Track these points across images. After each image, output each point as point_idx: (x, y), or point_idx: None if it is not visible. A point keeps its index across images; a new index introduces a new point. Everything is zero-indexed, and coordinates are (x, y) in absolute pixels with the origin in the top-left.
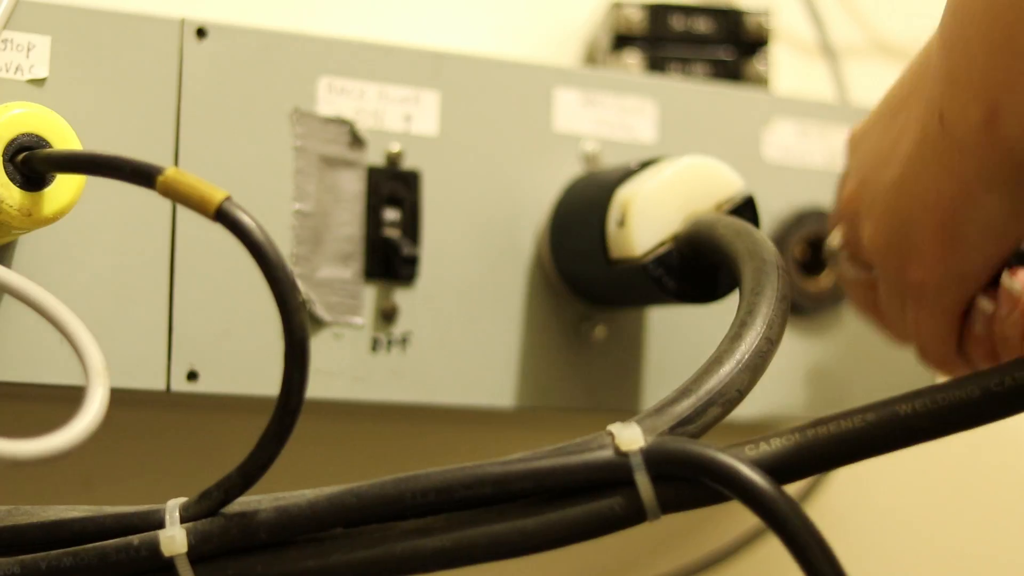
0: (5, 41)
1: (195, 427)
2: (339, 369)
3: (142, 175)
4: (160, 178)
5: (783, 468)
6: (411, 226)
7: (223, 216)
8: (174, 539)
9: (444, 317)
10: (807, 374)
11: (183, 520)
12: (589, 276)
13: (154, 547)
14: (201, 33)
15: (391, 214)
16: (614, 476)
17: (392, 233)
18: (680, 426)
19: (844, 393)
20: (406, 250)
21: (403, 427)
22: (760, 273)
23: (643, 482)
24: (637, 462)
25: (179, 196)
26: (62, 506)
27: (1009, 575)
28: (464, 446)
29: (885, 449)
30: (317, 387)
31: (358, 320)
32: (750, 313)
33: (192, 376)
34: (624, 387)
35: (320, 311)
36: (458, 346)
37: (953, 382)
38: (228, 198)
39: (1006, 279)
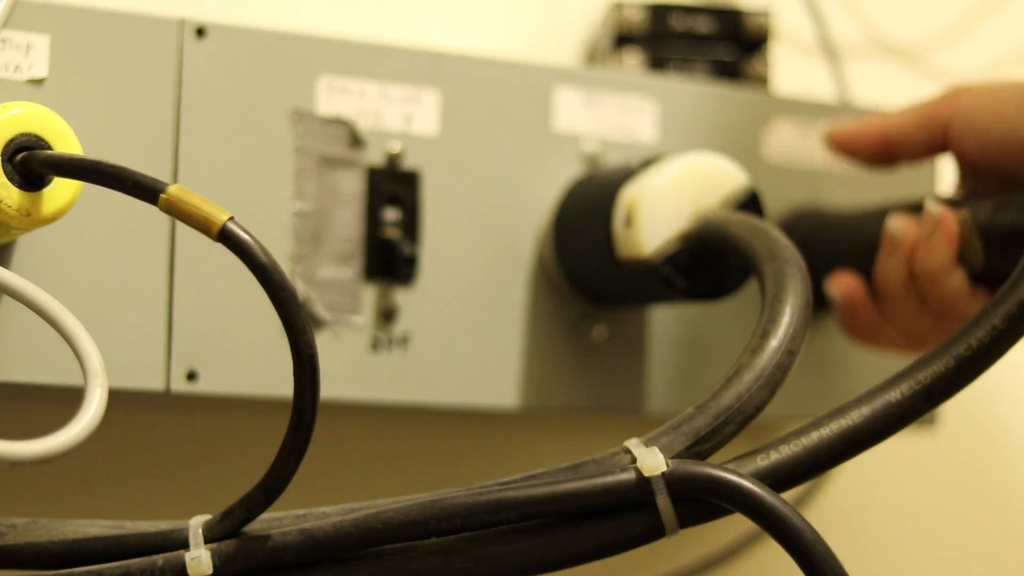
0: (4, 40)
1: (194, 427)
2: (339, 369)
3: (145, 191)
4: (163, 196)
5: (795, 473)
6: (411, 226)
7: (227, 237)
8: (199, 560)
9: (444, 317)
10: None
11: (207, 540)
12: (595, 276)
13: (179, 568)
14: (201, 33)
15: (391, 214)
16: (636, 499)
17: (392, 233)
18: (696, 444)
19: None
20: (406, 250)
21: (403, 427)
22: (781, 276)
23: (664, 504)
24: (659, 486)
25: (182, 215)
26: (81, 520)
27: (1011, 567)
28: (464, 446)
29: (884, 437)
30: None
31: (358, 320)
32: (772, 321)
33: (192, 376)
34: (625, 386)
35: (320, 311)
36: (458, 346)
37: (924, 359)
38: (231, 219)
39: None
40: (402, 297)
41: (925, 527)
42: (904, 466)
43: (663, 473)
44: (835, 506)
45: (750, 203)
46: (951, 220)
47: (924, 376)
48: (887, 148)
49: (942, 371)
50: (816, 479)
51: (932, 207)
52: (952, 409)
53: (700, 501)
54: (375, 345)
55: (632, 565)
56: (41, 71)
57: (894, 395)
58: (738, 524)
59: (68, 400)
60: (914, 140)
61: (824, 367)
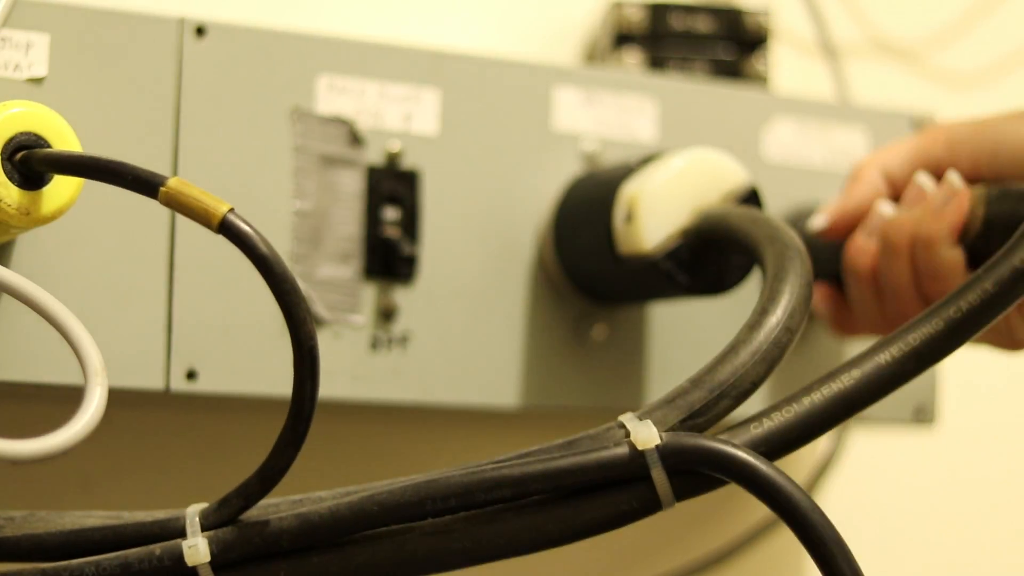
0: (4, 39)
1: (194, 426)
2: (339, 368)
3: (144, 184)
4: (163, 188)
5: (789, 440)
6: (411, 225)
7: (227, 229)
8: (197, 549)
9: (444, 316)
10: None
11: (204, 528)
12: (596, 273)
13: (177, 557)
14: (200, 32)
15: (391, 213)
16: (631, 473)
17: (392, 232)
18: (691, 418)
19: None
20: (406, 249)
21: (402, 426)
22: (782, 258)
23: (659, 477)
24: (653, 459)
25: (182, 207)
26: (79, 512)
27: (1010, 567)
28: (463, 444)
29: (875, 399)
30: None
31: (358, 319)
32: (771, 300)
33: (191, 375)
34: (624, 385)
35: (320, 310)
36: (458, 345)
37: (915, 322)
38: (231, 210)
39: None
40: (402, 296)
41: (922, 526)
42: (902, 466)
43: (657, 446)
44: (833, 507)
45: (750, 199)
46: (965, 197)
47: (913, 338)
48: (892, 189)
49: (931, 333)
50: (817, 477)
51: (954, 178)
52: (950, 409)
53: (695, 473)
54: (375, 345)
55: (633, 561)
56: (41, 70)
57: (884, 357)
58: (738, 523)
59: (68, 399)
60: (907, 180)
61: (822, 367)
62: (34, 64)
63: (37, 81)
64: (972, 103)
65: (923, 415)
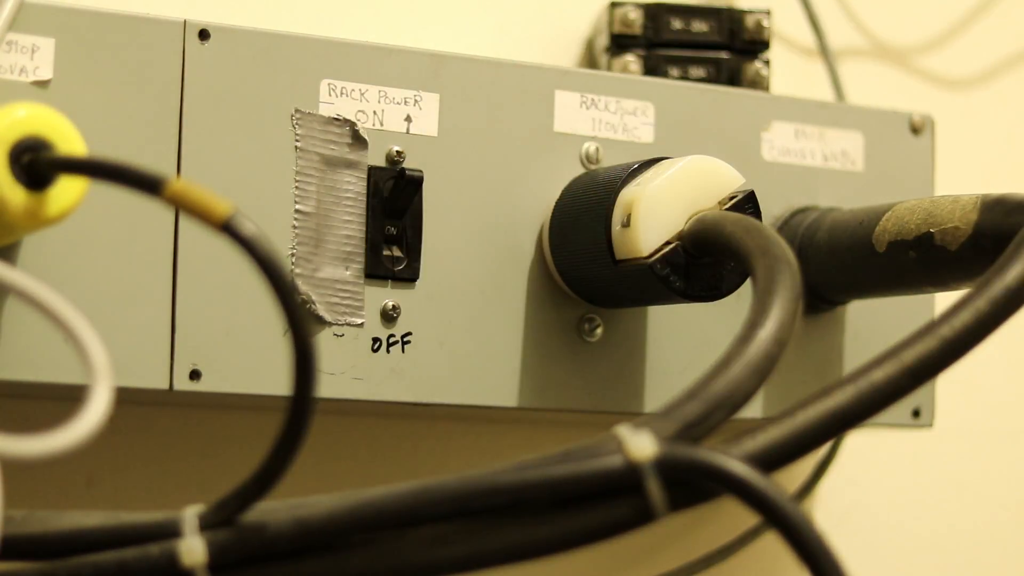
0: (9, 43)
1: (198, 425)
2: (339, 369)
3: (147, 184)
4: (166, 188)
5: (784, 453)
6: (412, 226)
7: (229, 229)
8: (193, 549)
9: (444, 317)
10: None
11: (201, 529)
12: (593, 277)
13: (173, 557)
14: (204, 35)
15: (392, 215)
16: (626, 484)
17: (393, 233)
18: (686, 430)
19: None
20: (407, 250)
21: (403, 427)
22: (772, 271)
23: (654, 488)
24: (648, 470)
25: (184, 207)
26: (78, 512)
27: (1008, 568)
28: (464, 446)
29: (870, 415)
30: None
31: (358, 320)
32: (762, 313)
33: (195, 375)
34: (624, 387)
35: (320, 311)
36: (458, 346)
37: (910, 340)
38: (234, 211)
39: None
40: (402, 297)
41: (920, 527)
42: (898, 466)
43: (652, 456)
44: (830, 507)
45: (747, 204)
46: None
47: (908, 357)
48: None
49: (926, 352)
50: (813, 481)
51: None
52: (948, 410)
53: (690, 484)
54: (375, 345)
55: (632, 563)
56: (46, 73)
57: (879, 375)
58: (738, 524)
59: (73, 398)
60: None
61: (823, 368)
62: (39, 67)
63: (42, 84)
64: (969, 105)
65: (921, 417)
